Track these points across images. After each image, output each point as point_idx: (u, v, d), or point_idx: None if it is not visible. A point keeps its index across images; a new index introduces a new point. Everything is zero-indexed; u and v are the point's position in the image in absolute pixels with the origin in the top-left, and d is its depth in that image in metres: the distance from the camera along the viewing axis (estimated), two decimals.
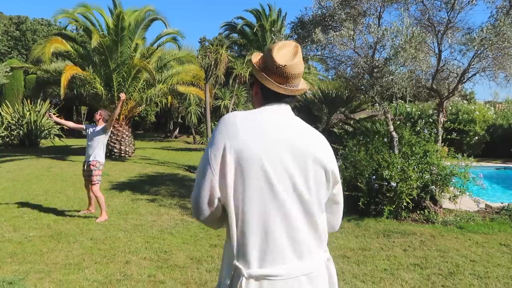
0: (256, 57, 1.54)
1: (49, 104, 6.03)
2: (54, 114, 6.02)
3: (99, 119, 6.13)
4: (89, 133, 6.06)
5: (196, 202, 1.34)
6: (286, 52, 1.44)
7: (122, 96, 6.07)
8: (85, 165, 6.04)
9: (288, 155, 1.35)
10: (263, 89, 1.46)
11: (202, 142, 15.89)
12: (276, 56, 1.42)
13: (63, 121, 6.50)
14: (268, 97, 1.46)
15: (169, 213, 6.34)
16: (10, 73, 16.14)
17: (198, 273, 4.03)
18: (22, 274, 3.89)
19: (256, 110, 1.45)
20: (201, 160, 1.35)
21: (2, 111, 15.24)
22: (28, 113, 15.18)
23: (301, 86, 1.50)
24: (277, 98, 1.45)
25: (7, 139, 15.19)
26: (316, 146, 1.42)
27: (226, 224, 1.37)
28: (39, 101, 16.06)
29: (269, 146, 1.33)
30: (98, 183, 5.90)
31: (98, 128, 6.04)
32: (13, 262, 4.17)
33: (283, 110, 1.47)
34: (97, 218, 5.86)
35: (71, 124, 6.69)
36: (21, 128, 15.21)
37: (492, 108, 16.60)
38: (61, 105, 19.72)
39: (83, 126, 6.35)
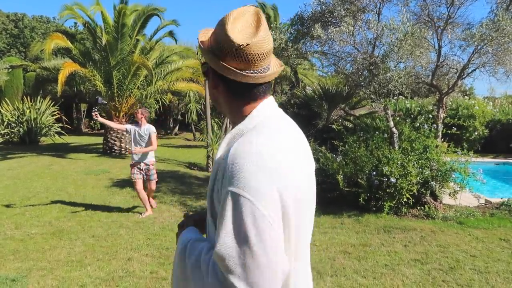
0: (204, 35, 1.12)
1: (95, 104, 5.63)
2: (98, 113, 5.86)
3: (141, 117, 5.97)
4: (137, 133, 5.92)
5: None
6: (244, 25, 1.04)
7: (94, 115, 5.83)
8: (141, 166, 5.95)
9: (310, 171, 1.13)
10: (224, 81, 1.07)
11: (202, 139, 15.88)
12: (231, 32, 1.01)
13: (107, 122, 6.24)
14: (238, 91, 1.07)
15: (170, 210, 6.36)
16: (10, 71, 16.12)
17: None
18: (25, 271, 3.91)
19: (265, 124, 1.05)
20: (240, 226, 0.89)
21: (2, 109, 15.23)
22: (28, 111, 15.17)
23: (273, 67, 1.10)
24: (250, 90, 1.07)
25: (7, 137, 15.19)
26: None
27: None
28: (38, 98, 16.04)
29: (300, 172, 1.05)
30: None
31: (148, 128, 5.94)
32: (16, 260, 4.20)
33: (278, 109, 1.14)
34: (141, 213, 6.07)
35: (113, 124, 6.50)
36: (21, 125, 15.21)
37: (491, 103, 16.62)
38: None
39: (126, 127, 6.10)
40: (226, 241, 0.88)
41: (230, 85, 1.07)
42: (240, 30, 1.03)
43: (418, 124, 7.07)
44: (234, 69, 1.02)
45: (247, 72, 1.03)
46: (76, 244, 4.71)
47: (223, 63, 1.03)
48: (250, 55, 1.02)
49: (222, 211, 0.91)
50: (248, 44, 1.01)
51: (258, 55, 1.03)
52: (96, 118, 5.75)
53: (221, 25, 1.04)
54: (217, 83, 1.10)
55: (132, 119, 18.13)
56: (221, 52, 1.04)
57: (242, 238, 0.87)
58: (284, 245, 0.94)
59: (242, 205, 0.88)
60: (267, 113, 1.09)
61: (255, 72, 1.05)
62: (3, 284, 3.61)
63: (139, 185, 5.92)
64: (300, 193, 1.00)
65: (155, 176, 6.12)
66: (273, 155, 0.96)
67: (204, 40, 1.12)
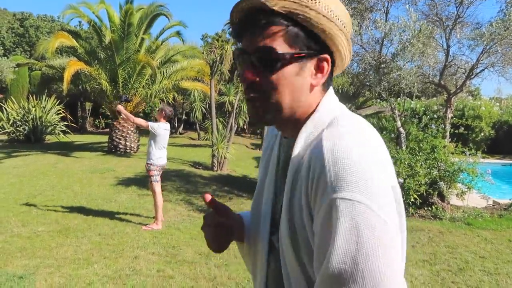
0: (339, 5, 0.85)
1: (120, 100, 5.42)
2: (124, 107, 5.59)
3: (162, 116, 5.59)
4: (163, 132, 5.49)
5: None
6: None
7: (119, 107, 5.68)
8: (160, 167, 5.52)
9: None
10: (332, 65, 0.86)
11: (207, 138, 15.87)
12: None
13: (129, 115, 5.82)
14: (330, 80, 0.88)
15: (175, 209, 6.35)
16: (16, 69, 16.15)
17: (207, 268, 4.03)
18: (32, 268, 3.90)
19: (354, 118, 0.84)
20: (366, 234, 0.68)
21: (8, 107, 15.29)
22: (33, 109, 15.22)
23: None
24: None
25: (13, 135, 15.24)
26: None
27: None
28: (44, 97, 16.09)
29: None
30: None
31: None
32: (23, 257, 4.19)
33: None
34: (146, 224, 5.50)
35: (138, 120, 5.83)
36: (27, 124, 15.25)
37: (498, 104, 16.53)
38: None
39: (151, 125, 5.52)
40: (339, 258, 0.67)
41: (330, 73, 0.87)
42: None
43: (424, 124, 7.03)
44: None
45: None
46: (83, 242, 4.70)
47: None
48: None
49: (327, 223, 0.70)
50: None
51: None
52: (119, 109, 5.58)
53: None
54: (324, 69, 0.85)
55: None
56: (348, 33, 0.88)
57: (361, 251, 0.67)
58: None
59: (358, 213, 0.68)
60: (337, 101, 0.89)
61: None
62: (11, 281, 3.61)
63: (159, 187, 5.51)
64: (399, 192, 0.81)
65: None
66: (377, 147, 0.78)
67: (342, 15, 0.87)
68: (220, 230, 0.97)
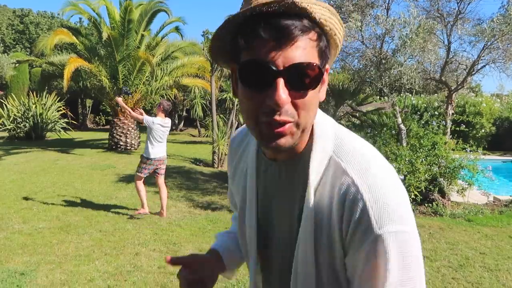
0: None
1: (121, 93, 5.75)
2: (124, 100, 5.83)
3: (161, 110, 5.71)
4: (157, 127, 5.57)
5: None
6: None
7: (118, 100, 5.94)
8: (156, 161, 5.63)
9: None
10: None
11: (207, 135, 15.87)
12: None
13: (127, 108, 5.99)
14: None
15: (176, 206, 6.36)
16: (17, 65, 16.12)
17: None
18: (34, 265, 3.91)
19: (353, 136, 0.83)
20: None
21: (8, 104, 15.28)
22: (34, 106, 15.21)
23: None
24: None
25: (14, 132, 15.25)
26: None
27: None
28: (44, 94, 16.08)
29: None
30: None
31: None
32: (24, 254, 4.20)
33: None
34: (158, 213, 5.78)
35: (134, 114, 5.93)
36: (27, 121, 15.25)
37: (499, 100, 16.49)
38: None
39: (146, 119, 5.67)
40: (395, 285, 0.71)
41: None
42: None
43: (425, 121, 7.02)
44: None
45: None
46: (84, 239, 4.71)
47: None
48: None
49: (375, 261, 0.71)
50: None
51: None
52: (117, 100, 5.85)
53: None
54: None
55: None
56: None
57: (409, 274, 0.72)
58: None
59: (404, 243, 0.71)
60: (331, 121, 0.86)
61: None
62: (12, 277, 3.62)
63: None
64: None
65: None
66: (393, 170, 0.78)
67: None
68: (195, 286, 0.99)
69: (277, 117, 0.70)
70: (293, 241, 0.82)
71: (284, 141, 0.73)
